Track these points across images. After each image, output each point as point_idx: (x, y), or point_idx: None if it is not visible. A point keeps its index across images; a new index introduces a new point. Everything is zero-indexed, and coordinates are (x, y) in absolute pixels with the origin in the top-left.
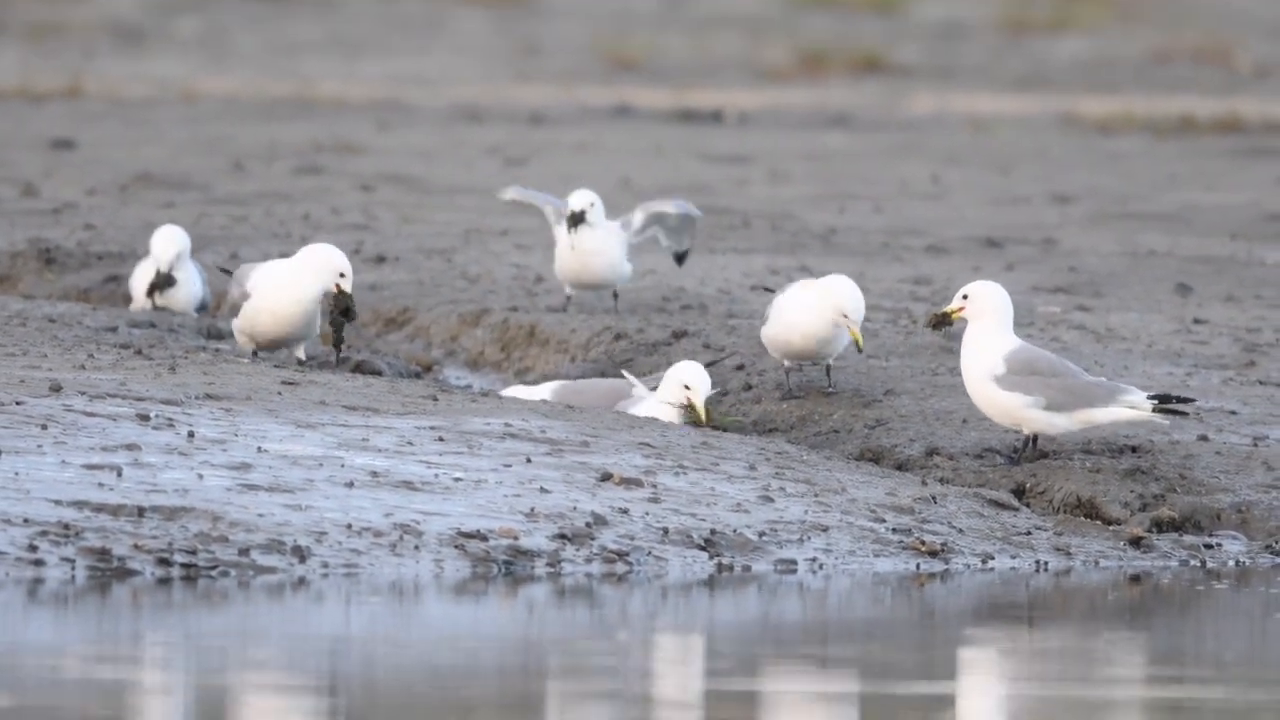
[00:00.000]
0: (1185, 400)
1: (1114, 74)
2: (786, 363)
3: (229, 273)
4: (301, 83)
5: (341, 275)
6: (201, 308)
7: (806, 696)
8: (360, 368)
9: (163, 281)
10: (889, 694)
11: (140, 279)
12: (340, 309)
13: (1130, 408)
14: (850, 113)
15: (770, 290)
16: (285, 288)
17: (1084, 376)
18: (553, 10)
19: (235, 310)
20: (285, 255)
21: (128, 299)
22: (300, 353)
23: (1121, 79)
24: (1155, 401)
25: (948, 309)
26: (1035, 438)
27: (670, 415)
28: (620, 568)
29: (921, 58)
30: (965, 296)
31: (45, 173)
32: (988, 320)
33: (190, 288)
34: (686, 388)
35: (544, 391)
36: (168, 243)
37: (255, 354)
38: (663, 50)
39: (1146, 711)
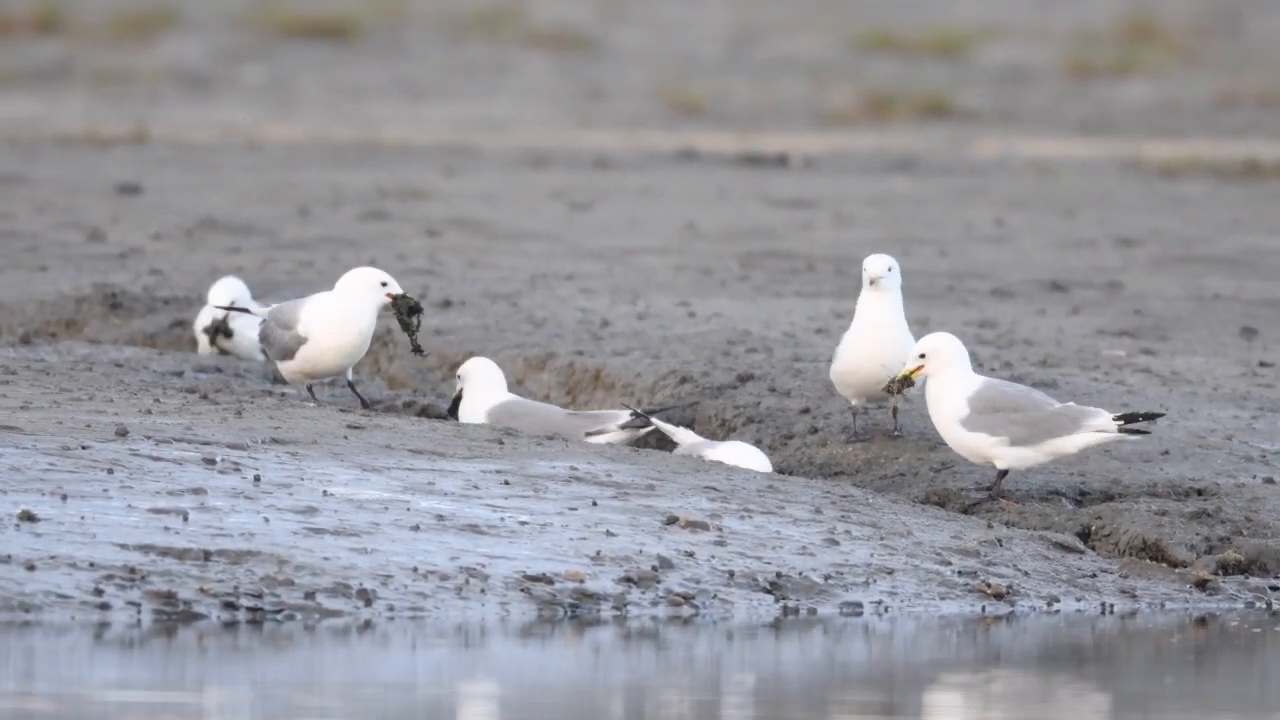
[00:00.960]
0: (1151, 417)
1: (1178, 118)
2: (854, 403)
3: (241, 310)
4: (366, 128)
5: (384, 284)
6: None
7: None
8: (426, 411)
9: (220, 328)
10: None
11: (204, 325)
12: (405, 310)
13: (1098, 431)
14: (915, 157)
15: None
16: (344, 321)
17: (1051, 406)
18: (617, 55)
19: (288, 354)
20: None
21: (194, 344)
22: (349, 374)
23: (1186, 123)
24: (1121, 421)
25: (907, 370)
26: (1005, 472)
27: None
28: (686, 610)
29: (986, 102)
30: (923, 355)
31: (111, 218)
32: (950, 370)
33: (253, 334)
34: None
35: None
36: (222, 292)
37: (311, 390)
38: (727, 94)
39: None
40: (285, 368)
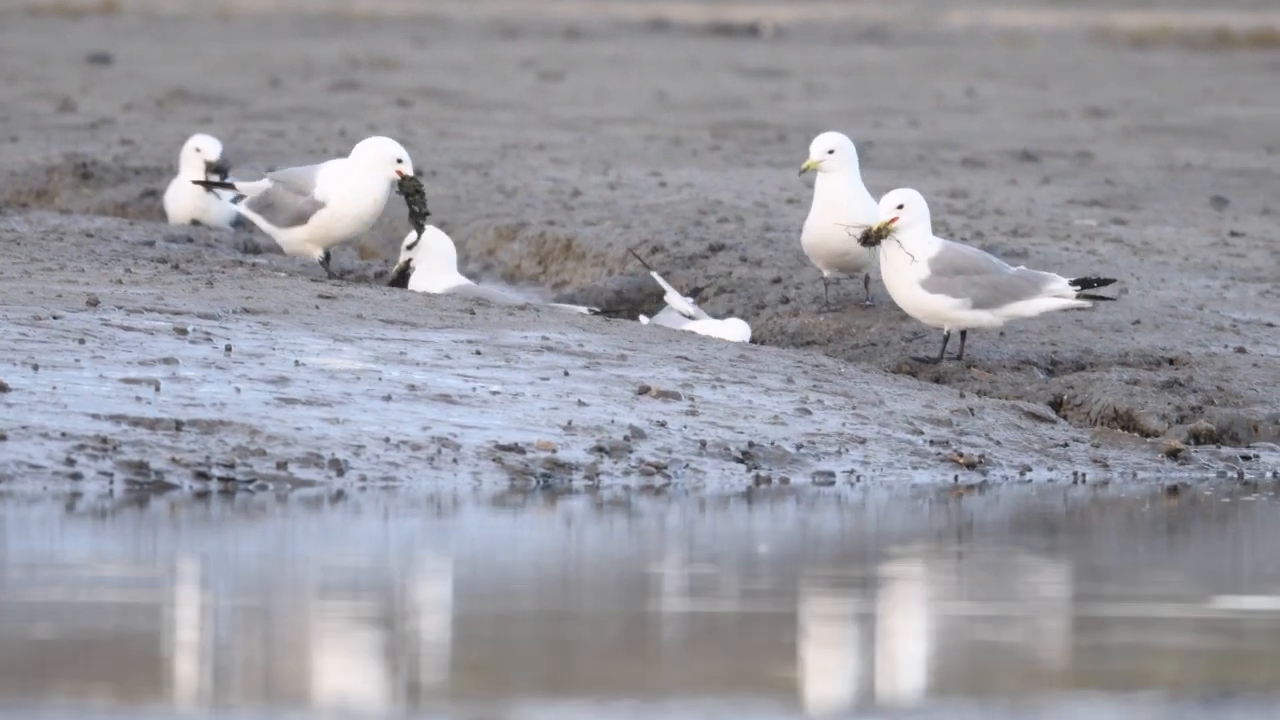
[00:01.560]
0: (1106, 282)
1: None
2: (826, 274)
3: (227, 186)
4: None
5: (399, 160)
6: (237, 223)
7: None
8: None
9: (220, 167)
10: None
11: (176, 196)
12: (410, 191)
13: (1055, 296)
14: (886, 27)
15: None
16: (359, 190)
17: (1007, 270)
18: None
19: (301, 219)
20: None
21: (164, 214)
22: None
23: None
24: (1079, 288)
25: (882, 221)
26: (964, 334)
27: None
28: (658, 480)
29: None
30: (900, 206)
31: (82, 88)
32: (918, 228)
33: (225, 203)
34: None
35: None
36: (212, 141)
37: (327, 258)
38: None
39: (1198, 629)
40: (292, 234)
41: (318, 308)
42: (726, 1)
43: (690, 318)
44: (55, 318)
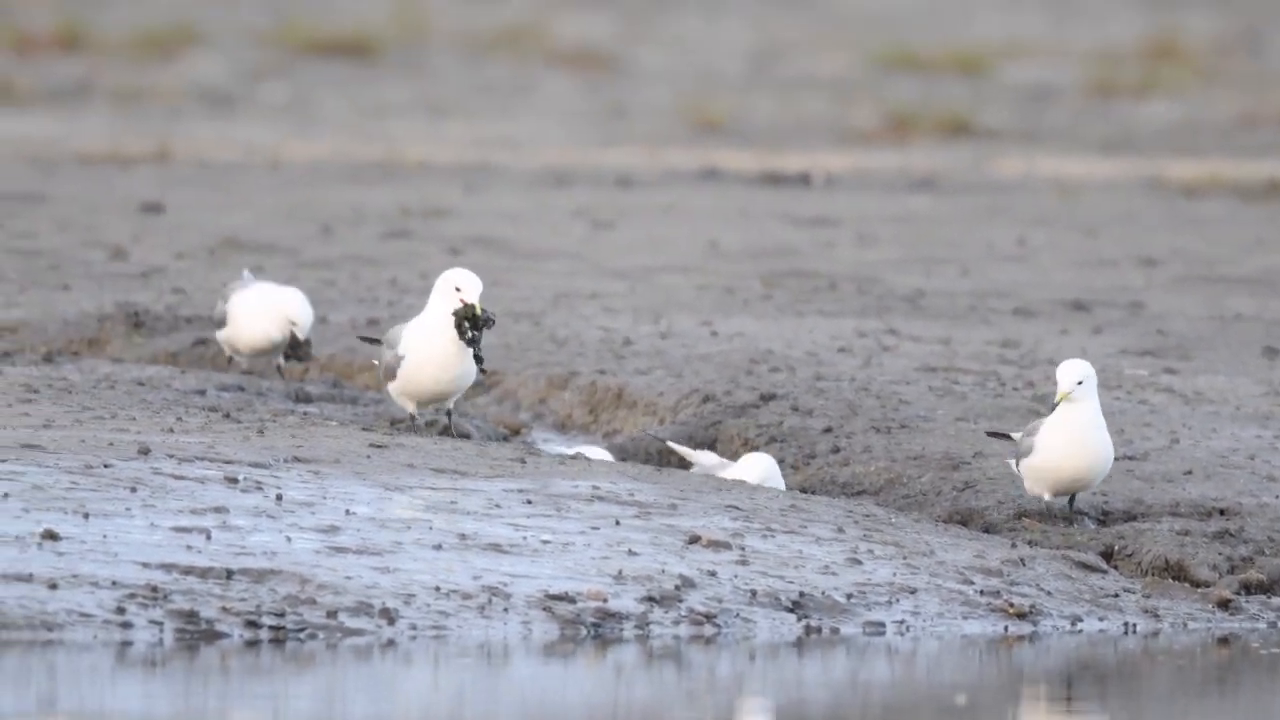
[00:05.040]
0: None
1: (1200, 138)
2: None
3: (374, 341)
4: (388, 146)
5: (458, 289)
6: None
7: None
8: (448, 431)
9: (303, 350)
10: None
11: (246, 323)
12: (464, 318)
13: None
14: (937, 176)
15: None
16: (433, 333)
17: None
18: (639, 74)
19: (391, 374)
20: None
21: (216, 362)
22: (449, 403)
23: (1207, 143)
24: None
25: (1064, 393)
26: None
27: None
28: (708, 630)
29: (1008, 121)
30: (1080, 382)
31: (134, 236)
32: (1091, 399)
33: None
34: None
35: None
36: (305, 306)
37: (414, 417)
38: (749, 113)
39: None
40: (392, 388)
41: (369, 457)
42: (778, 150)
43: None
44: (106, 466)
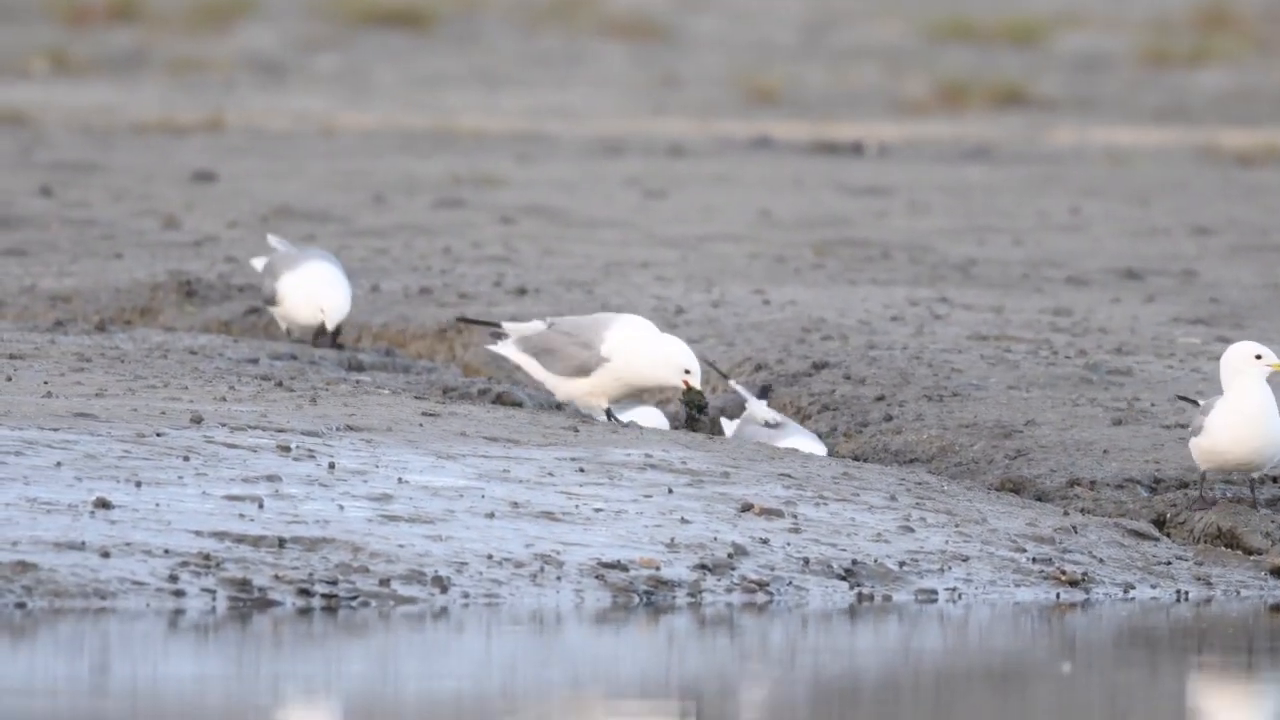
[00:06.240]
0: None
1: (1254, 106)
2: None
3: (491, 324)
4: (441, 116)
5: (687, 372)
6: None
7: None
8: (501, 399)
9: (334, 337)
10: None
11: (294, 303)
12: (695, 406)
13: None
14: (990, 145)
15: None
16: (650, 356)
17: None
18: (692, 43)
19: (583, 372)
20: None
21: (268, 331)
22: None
23: (1262, 111)
24: None
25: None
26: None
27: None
28: (760, 597)
29: (1061, 90)
30: (1259, 356)
31: (186, 205)
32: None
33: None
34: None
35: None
36: (338, 293)
37: (610, 413)
38: (802, 82)
39: None
40: (570, 385)
41: (421, 425)
42: (830, 120)
43: (771, 425)
44: (159, 435)
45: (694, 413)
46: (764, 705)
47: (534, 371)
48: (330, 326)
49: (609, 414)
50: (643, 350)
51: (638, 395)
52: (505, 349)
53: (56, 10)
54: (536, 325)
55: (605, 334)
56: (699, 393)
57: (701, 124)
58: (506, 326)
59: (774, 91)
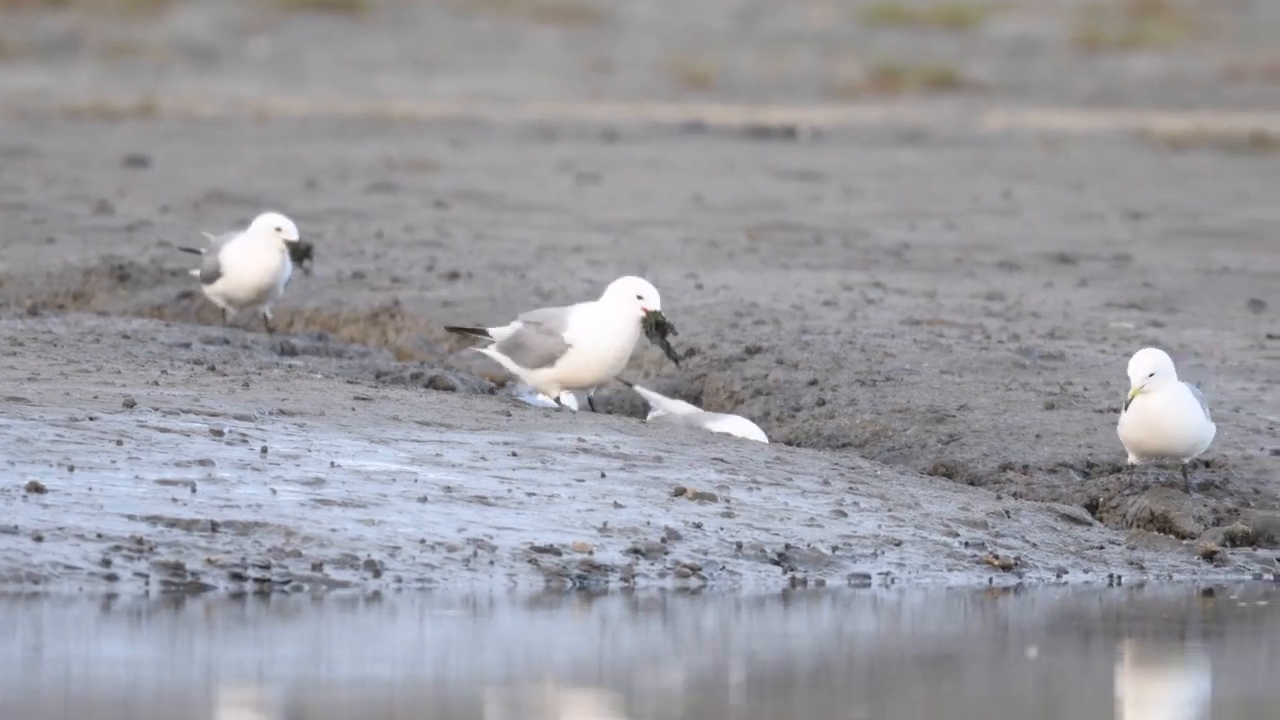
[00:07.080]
0: None
1: (1186, 91)
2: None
3: (480, 333)
4: (374, 101)
5: (640, 297)
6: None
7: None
8: (434, 383)
9: (305, 250)
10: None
11: (237, 259)
12: (653, 326)
13: None
14: (923, 129)
15: None
16: (609, 334)
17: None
18: (625, 27)
19: (547, 361)
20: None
21: (201, 315)
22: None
23: (1194, 96)
24: None
25: (1135, 390)
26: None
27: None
28: (694, 582)
29: (994, 74)
30: (1151, 374)
31: (119, 190)
32: (1168, 386)
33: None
34: (640, 297)
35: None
36: (288, 221)
37: (559, 398)
38: (735, 67)
39: None
40: (540, 375)
41: (354, 409)
42: (764, 105)
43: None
44: (92, 419)
45: (660, 336)
46: (697, 689)
47: (510, 368)
48: (295, 236)
49: (558, 398)
50: (603, 326)
51: (600, 379)
52: (491, 352)
53: None
54: (516, 325)
55: (568, 320)
56: (657, 313)
57: (635, 108)
58: (492, 331)
59: (707, 76)
